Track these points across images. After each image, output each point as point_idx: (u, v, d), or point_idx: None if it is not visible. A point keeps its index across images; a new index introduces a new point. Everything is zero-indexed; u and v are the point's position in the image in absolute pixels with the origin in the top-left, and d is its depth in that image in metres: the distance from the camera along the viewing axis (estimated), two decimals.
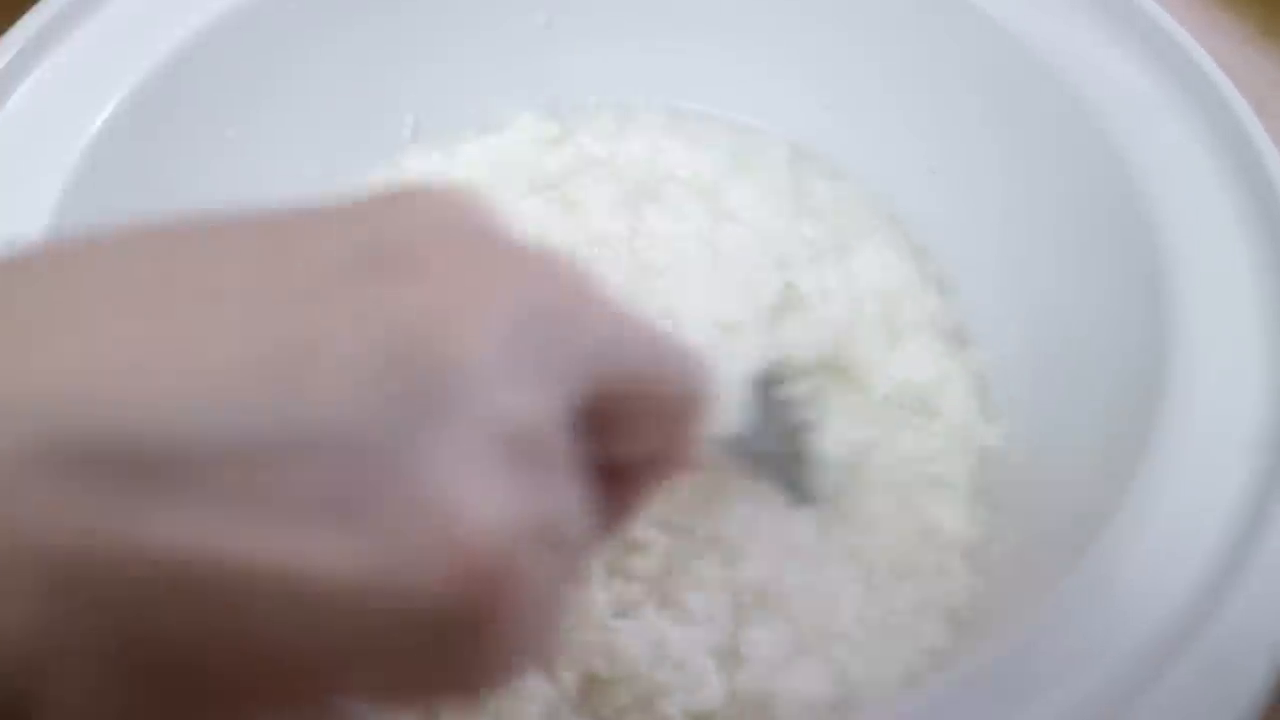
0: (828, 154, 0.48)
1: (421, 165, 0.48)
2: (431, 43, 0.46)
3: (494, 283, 0.19)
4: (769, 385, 0.37)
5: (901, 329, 0.42)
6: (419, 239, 0.19)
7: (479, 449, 0.17)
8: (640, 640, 0.34)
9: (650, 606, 0.35)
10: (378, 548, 0.17)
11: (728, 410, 0.36)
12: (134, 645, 0.16)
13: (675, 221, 0.44)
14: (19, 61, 0.38)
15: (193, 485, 0.16)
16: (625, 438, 0.21)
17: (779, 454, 0.36)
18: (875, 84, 0.46)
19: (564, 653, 0.34)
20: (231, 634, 0.16)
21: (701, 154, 0.47)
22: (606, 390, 0.20)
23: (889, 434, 0.40)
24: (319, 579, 0.16)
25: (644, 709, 0.34)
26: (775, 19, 0.46)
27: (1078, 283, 0.39)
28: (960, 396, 0.41)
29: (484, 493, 0.17)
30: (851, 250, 0.44)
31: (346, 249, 0.18)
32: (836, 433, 0.39)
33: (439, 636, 0.17)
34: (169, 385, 0.16)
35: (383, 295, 0.18)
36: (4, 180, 0.36)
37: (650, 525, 0.36)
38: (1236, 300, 0.34)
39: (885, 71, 0.45)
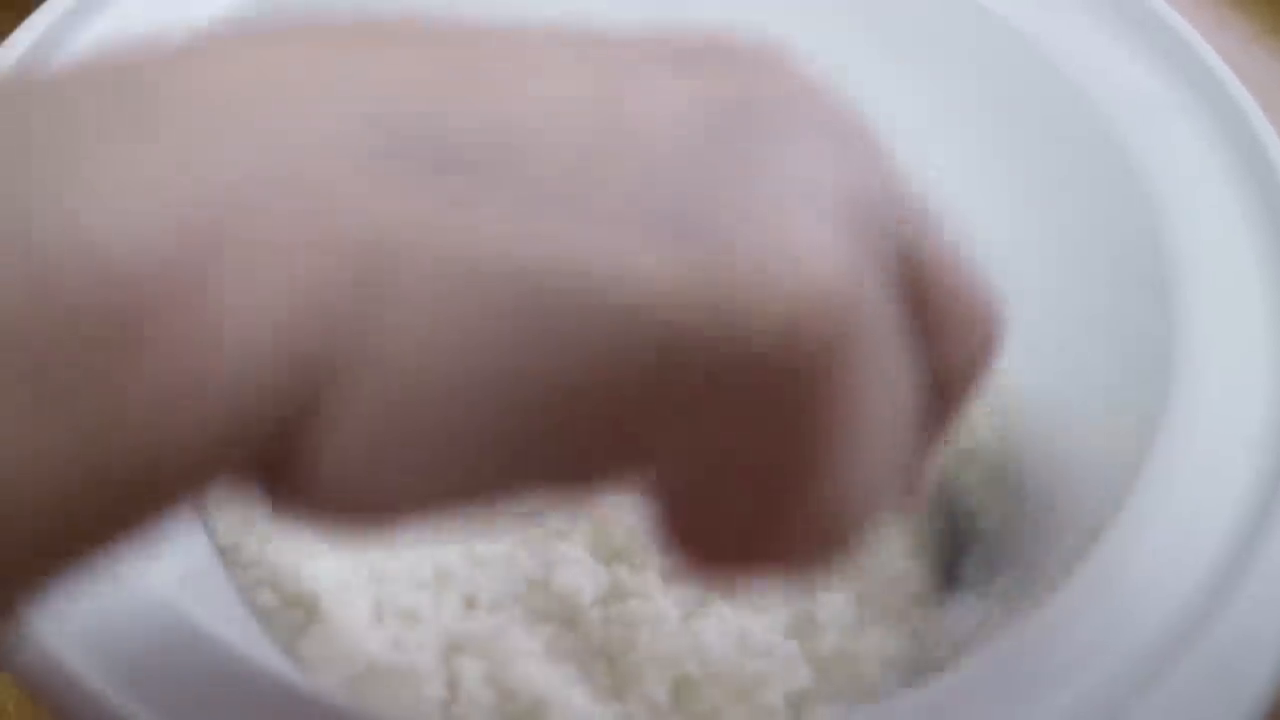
0: None
1: None
2: None
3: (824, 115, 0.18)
4: None
5: None
6: (799, 101, 0.18)
7: (822, 204, 0.16)
8: (723, 636, 0.34)
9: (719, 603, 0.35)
10: (712, 266, 0.15)
11: None
12: (442, 357, 0.15)
13: None
14: (25, 61, 0.38)
15: (522, 183, 0.15)
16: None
17: None
18: (875, 79, 0.45)
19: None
20: (548, 351, 0.15)
21: None
22: (924, 276, 0.18)
23: None
24: (655, 291, 0.15)
25: (741, 700, 0.34)
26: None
27: (1081, 281, 0.39)
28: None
29: (830, 243, 0.16)
30: None
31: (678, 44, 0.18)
32: None
33: (771, 388, 0.16)
34: (493, 82, 0.16)
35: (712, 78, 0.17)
36: None
37: None
38: (1243, 299, 0.34)
39: (884, 69, 0.45)
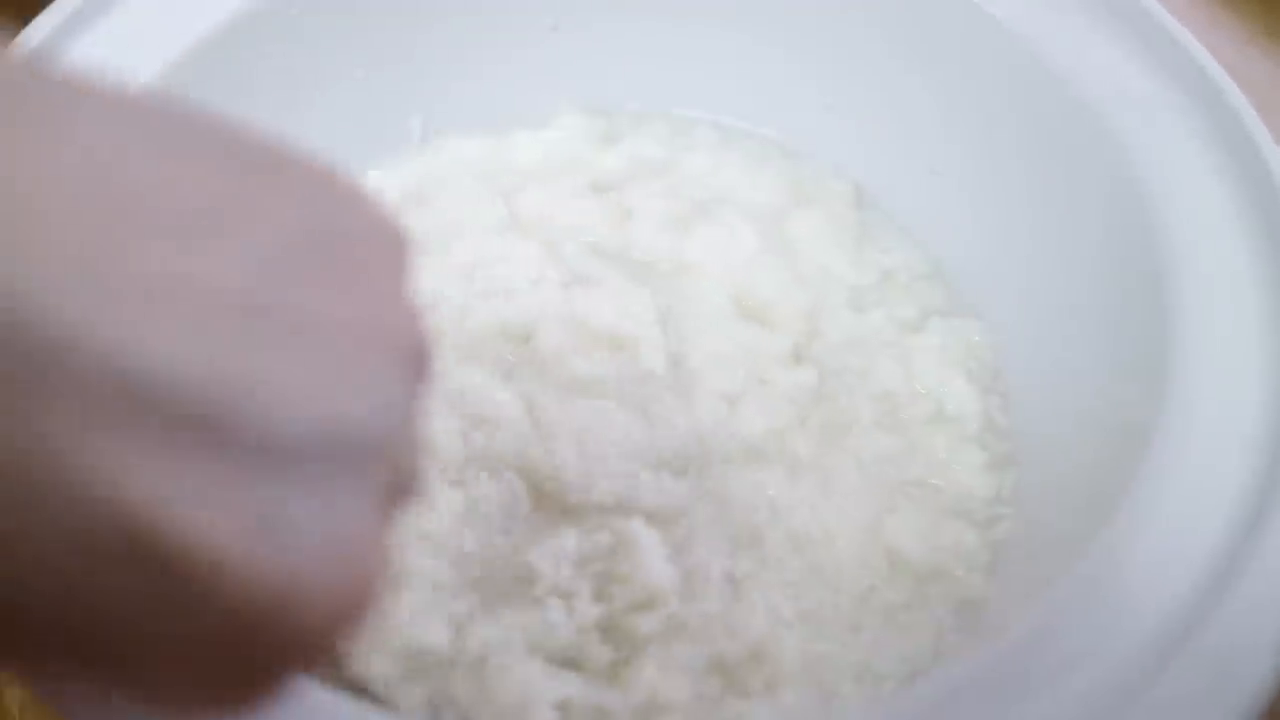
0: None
1: (470, 152, 0.48)
2: (450, 43, 0.47)
3: (400, 320, 0.20)
4: None
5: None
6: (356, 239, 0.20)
7: (372, 501, 0.19)
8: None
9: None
10: (279, 557, 0.17)
11: None
12: None
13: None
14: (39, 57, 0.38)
15: (117, 422, 0.15)
16: None
17: None
18: (876, 79, 0.46)
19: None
20: (71, 576, 0.16)
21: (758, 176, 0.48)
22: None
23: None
24: (207, 558, 0.16)
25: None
26: (785, 27, 0.47)
27: (1078, 282, 0.40)
28: (966, 399, 0.41)
29: (367, 535, 0.19)
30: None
31: (296, 233, 0.18)
32: None
33: (252, 647, 0.17)
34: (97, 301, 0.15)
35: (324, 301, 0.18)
36: None
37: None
38: (1238, 300, 0.34)
39: (885, 69, 0.45)
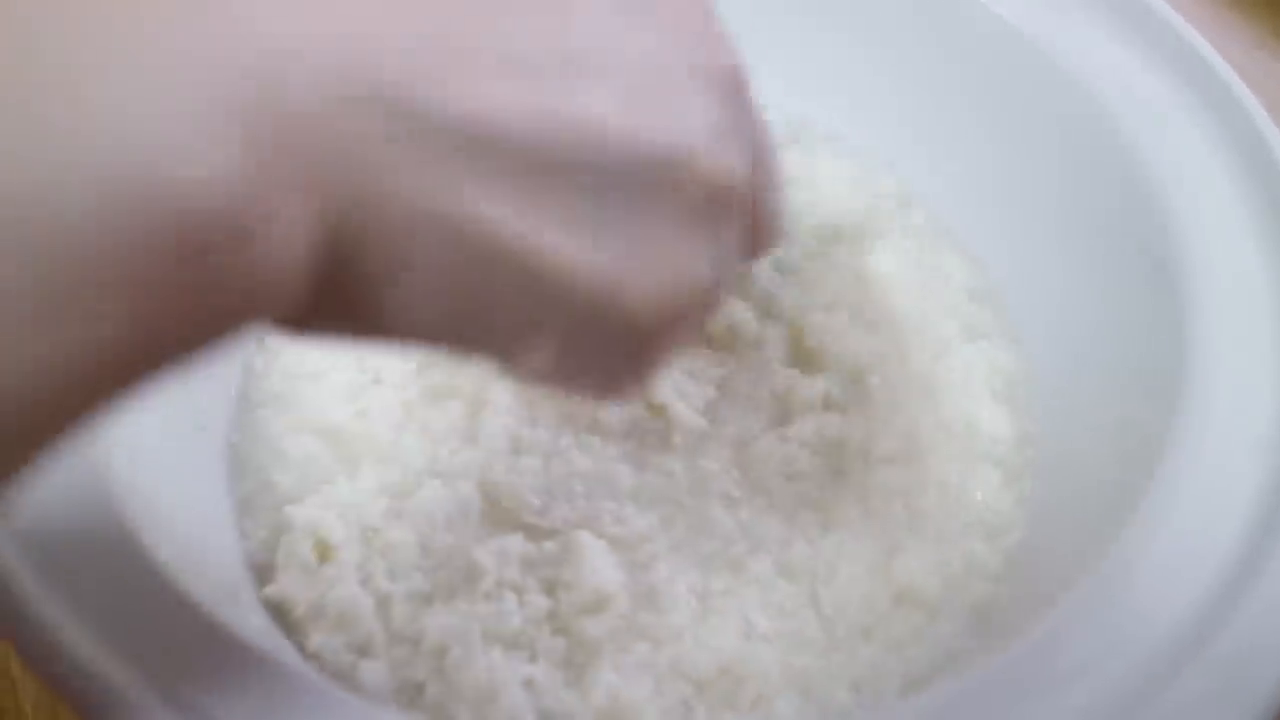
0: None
1: None
2: None
3: (707, 53, 0.23)
4: None
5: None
6: None
7: (695, 213, 0.22)
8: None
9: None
10: (614, 265, 0.21)
11: None
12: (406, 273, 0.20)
13: None
14: None
15: (487, 165, 0.19)
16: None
17: None
18: (878, 67, 0.46)
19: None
20: (470, 287, 0.20)
21: None
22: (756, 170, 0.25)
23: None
24: (565, 277, 0.21)
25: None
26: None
27: (1089, 285, 0.40)
28: (985, 403, 0.41)
29: (692, 250, 0.22)
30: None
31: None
32: None
33: (626, 341, 0.22)
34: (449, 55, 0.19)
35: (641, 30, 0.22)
36: None
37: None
38: (1251, 303, 0.34)
39: (889, 59, 0.45)
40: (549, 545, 0.37)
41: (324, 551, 0.37)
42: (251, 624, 0.34)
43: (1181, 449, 0.31)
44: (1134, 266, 0.37)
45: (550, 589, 0.36)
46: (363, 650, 0.35)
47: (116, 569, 0.29)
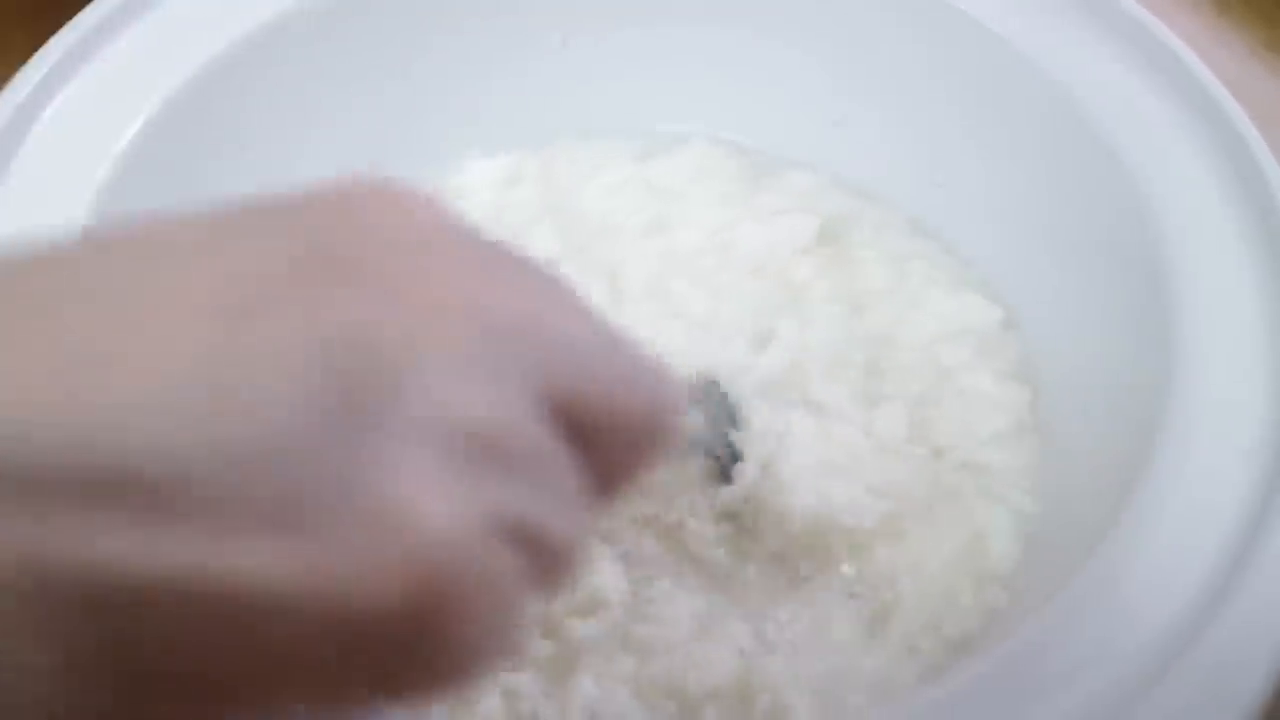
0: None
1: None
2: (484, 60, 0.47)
3: (442, 285, 0.18)
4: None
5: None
6: (365, 243, 0.18)
7: (428, 451, 0.17)
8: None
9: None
10: (326, 558, 0.16)
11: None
12: (84, 650, 0.16)
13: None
14: (63, 65, 0.39)
15: (134, 502, 0.16)
16: (590, 447, 0.21)
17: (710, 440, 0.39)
18: (886, 95, 0.47)
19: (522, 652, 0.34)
20: (178, 644, 0.17)
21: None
22: (570, 399, 0.20)
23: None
24: (270, 591, 0.16)
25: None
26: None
27: (1081, 293, 0.40)
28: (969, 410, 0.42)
29: (434, 495, 0.17)
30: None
31: (294, 251, 0.18)
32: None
33: (392, 644, 0.17)
34: (104, 402, 0.16)
35: (324, 303, 0.17)
36: (39, 184, 0.36)
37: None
38: (1239, 311, 0.34)
39: (886, 75, 0.46)
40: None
41: None
42: None
43: (1169, 453, 0.32)
44: (1122, 275, 0.38)
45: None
46: None
47: None
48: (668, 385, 0.22)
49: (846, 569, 0.38)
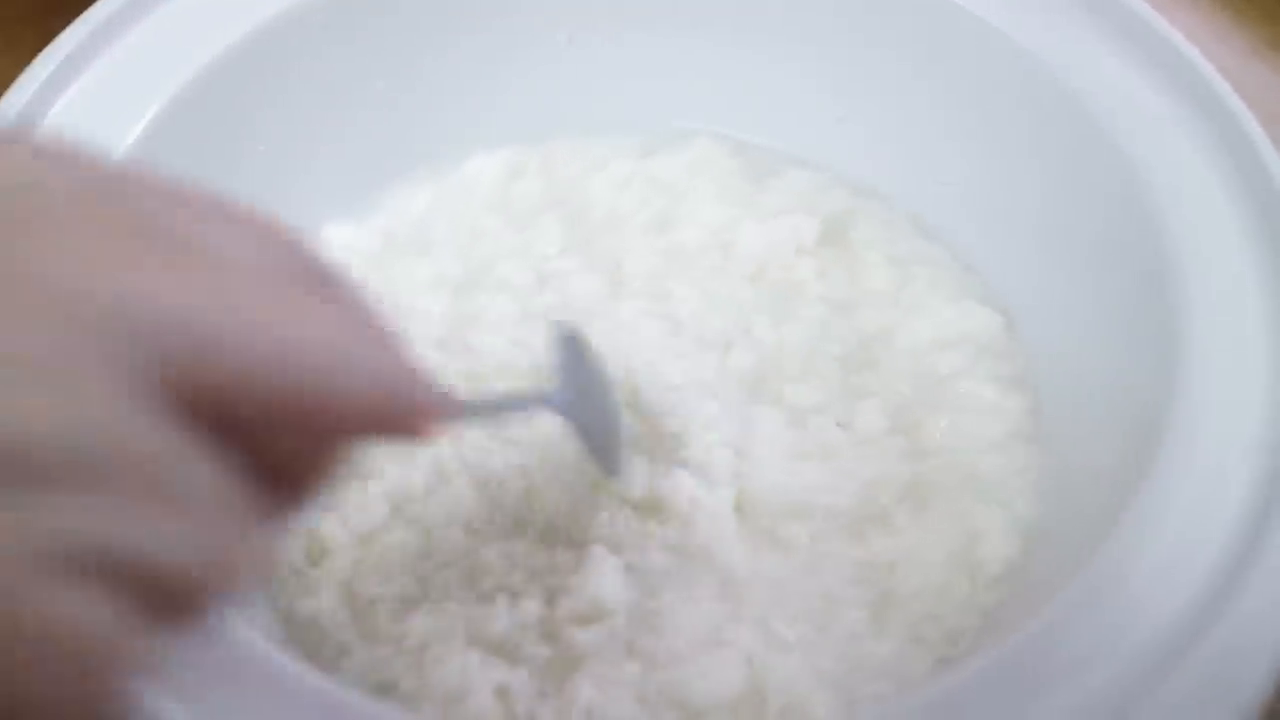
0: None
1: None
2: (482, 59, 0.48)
3: (26, 256, 0.16)
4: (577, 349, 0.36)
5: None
6: None
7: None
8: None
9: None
10: None
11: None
12: None
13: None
14: (71, 61, 0.39)
15: None
16: (256, 442, 0.18)
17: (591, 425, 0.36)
18: (888, 93, 0.47)
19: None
20: None
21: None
22: (211, 390, 0.17)
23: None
24: None
25: None
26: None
27: (1084, 296, 0.40)
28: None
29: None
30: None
31: None
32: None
33: None
34: None
35: None
36: None
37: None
38: (1242, 311, 0.34)
39: (896, 84, 0.46)
40: (563, 554, 0.37)
41: (317, 555, 0.38)
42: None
43: (1172, 452, 0.32)
44: (1126, 273, 0.38)
45: (551, 598, 0.36)
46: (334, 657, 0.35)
47: None
48: (380, 366, 0.19)
49: (842, 549, 0.38)
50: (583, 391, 0.35)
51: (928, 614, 0.37)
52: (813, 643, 0.36)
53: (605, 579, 0.36)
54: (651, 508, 0.38)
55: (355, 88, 0.45)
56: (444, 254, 0.45)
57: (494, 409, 0.34)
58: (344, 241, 0.46)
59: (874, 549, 0.38)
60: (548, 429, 0.38)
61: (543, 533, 0.38)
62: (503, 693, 0.34)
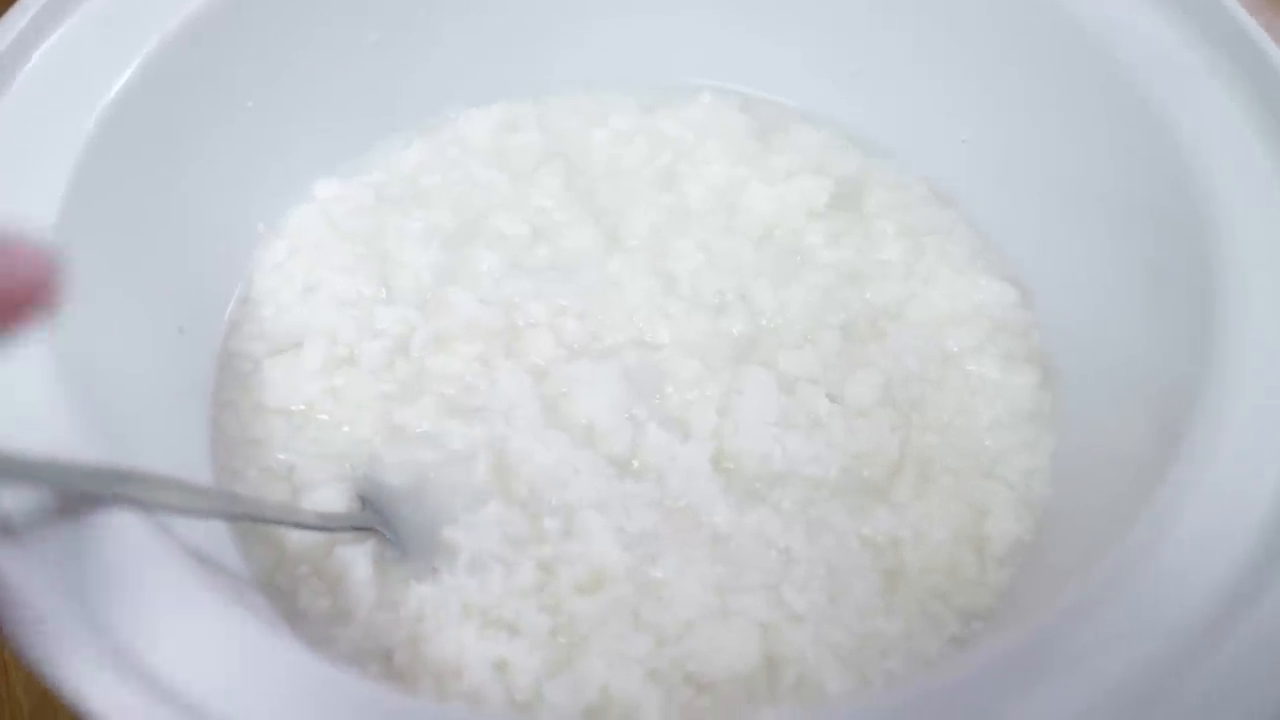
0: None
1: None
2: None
3: None
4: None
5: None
6: None
7: None
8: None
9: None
10: None
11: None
12: None
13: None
14: (40, 19, 0.37)
15: None
16: None
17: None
18: (905, 45, 0.45)
19: None
20: None
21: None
22: None
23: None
24: None
25: None
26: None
27: (1108, 266, 0.39)
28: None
29: None
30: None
31: None
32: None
33: None
34: None
35: None
36: (23, 140, 0.34)
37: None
38: None
39: (906, 23, 0.44)
40: (549, 521, 0.36)
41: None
42: (236, 575, 0.34)
43: (1206, 433, 0.30)
44: (1157, 240, 0.36)
45: (546, 567, 0.35)
46: (345, 615, 0.35)
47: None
48: None
49: (842, 520, 0.37)
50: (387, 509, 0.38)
51: (936, 591, 0.36)
52: (823, 613, 0.35)
53: (602, 544, 0.35)
54: (625, 464, 0.38)
55: (347, 41, 0.44)
56: (436, 206, 0.45)
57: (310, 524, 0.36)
58: (334, 195, 0.45)
59: (877, 524, 0.37)
60: (509, 396, 0.39)
61: (523, 501, 0.37)
62: (502, 667, 0.33)
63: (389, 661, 0.34)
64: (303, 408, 0.39)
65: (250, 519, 0.35)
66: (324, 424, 0.39)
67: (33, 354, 0.30)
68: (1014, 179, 0.43)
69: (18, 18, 0.36)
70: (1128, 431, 0.35)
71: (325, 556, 0.36)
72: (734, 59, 0.48)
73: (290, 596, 0.35)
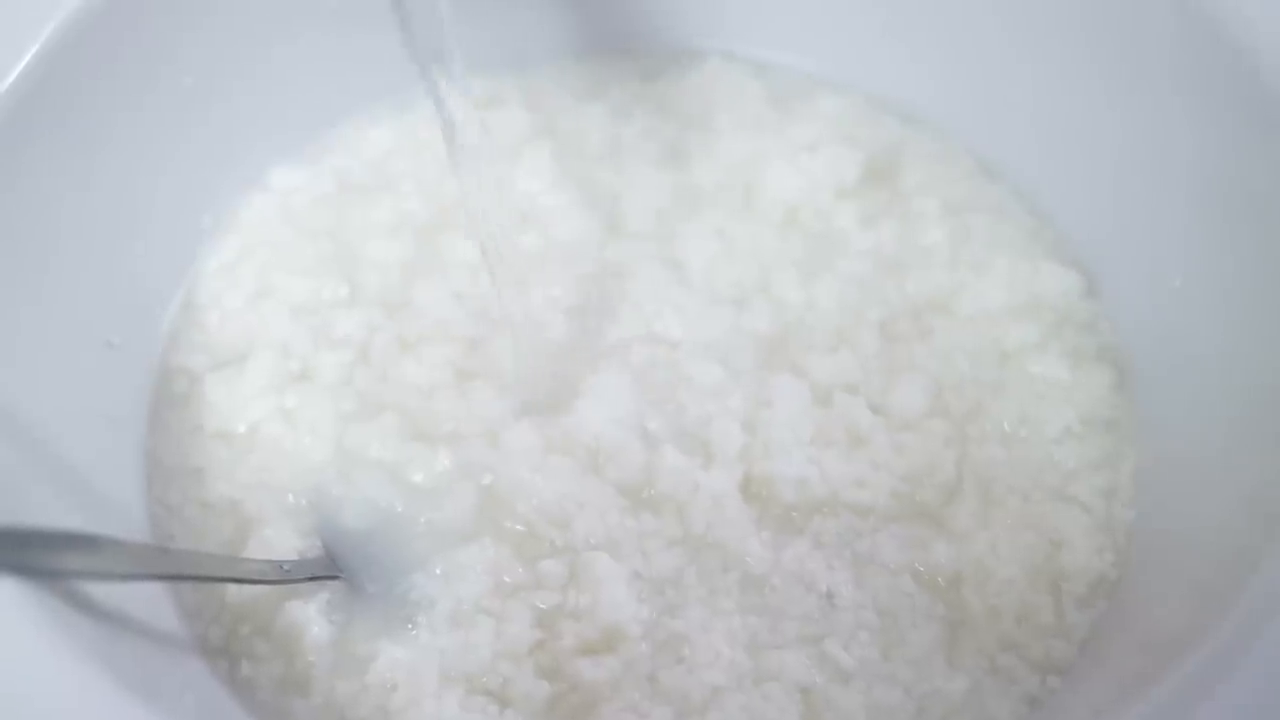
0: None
1: None
2: None
3: None
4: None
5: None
6: None
7: None
8: None
9: None
10: None
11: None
12: None
13: None
14: None
15: None
16: None
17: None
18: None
19: None
20: None
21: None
22: None
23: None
24: None
25: None
26: None
27: (1188, 241, 0.34)
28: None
29: None
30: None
31: None
32: None
33: None
34: None
35: None
36: None
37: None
38: None
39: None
40: (549, 565, 0.33)
41: None
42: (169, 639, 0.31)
43: None
44: (1249, 219, 0.31)
45: (545, 622, 0.32)
46: (301, 684, 0.31)
47: None
48: None
49: (891, 554, 0.33)
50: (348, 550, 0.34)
51: (1007, 640, 0.32)
52: (876, 671, 0.31)
53: (617, 596, 0.32)
54: (639, 494, 0.34)
55: (303, 6, 0.39)
56: (407, 193, 0.41)
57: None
58: (292, 186, 0.41)
59: (935, 558, 0.33)
60: (494, 414, 0.36)
61: (517, 540, 0.34)
62: None
63: None
64: (246, 430, 0.36)
65: (184, 579, 0.32)
66: (272, 449, 0.35)
67: None
68: (1075, 148, 0.38)
69: None
70: (1223, 439, 0.31)
71: (274, 609, 0.32)
72: (743, 19, 0.44)
73: (234, 661, 0.32)
